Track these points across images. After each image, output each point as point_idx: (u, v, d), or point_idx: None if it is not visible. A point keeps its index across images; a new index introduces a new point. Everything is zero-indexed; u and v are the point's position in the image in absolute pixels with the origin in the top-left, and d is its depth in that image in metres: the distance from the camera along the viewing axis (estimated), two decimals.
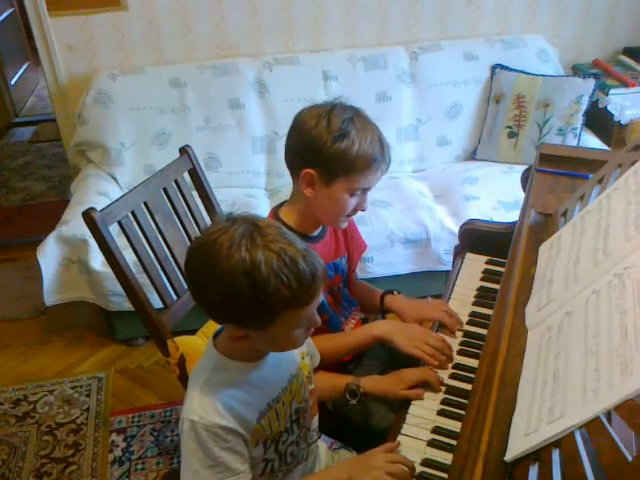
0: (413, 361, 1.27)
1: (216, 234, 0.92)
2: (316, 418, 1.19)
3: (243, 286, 0.88)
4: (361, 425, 1.36)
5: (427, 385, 1.20)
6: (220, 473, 0.98)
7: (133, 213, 1.48)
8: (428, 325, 1.40)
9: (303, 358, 1.15)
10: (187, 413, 0.98)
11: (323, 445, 1.30)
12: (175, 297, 1.56)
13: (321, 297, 0.99)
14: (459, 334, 1.35)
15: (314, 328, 1.03)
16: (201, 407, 0.97)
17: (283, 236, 0.93)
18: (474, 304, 1.43)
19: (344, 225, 1.38)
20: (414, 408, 1.17)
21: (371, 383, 1.24)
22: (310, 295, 0.94)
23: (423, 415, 1.15)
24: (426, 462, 1.06)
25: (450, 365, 1.26)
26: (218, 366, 1.02)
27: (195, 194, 1.73)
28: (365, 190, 1.31)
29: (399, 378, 1.22)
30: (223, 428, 0.97)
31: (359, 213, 1.36)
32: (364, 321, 1.58)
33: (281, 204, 1.41)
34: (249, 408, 1.01)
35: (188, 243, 1.61)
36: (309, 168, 1.28)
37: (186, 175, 1.70)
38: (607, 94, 2.82)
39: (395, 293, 1.52)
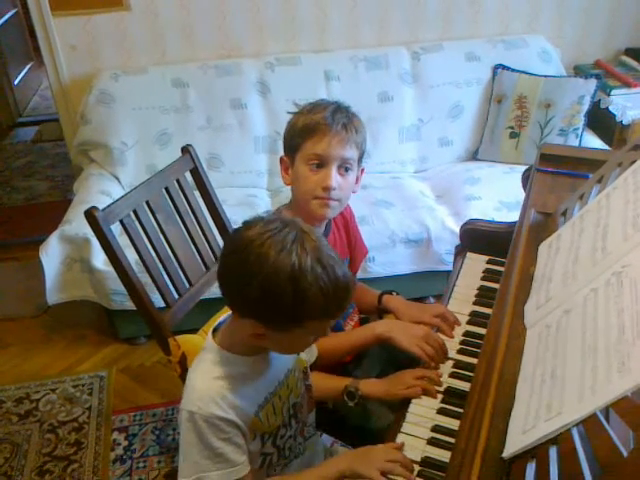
0: (412, 362, 1.27)
1: (268, 234, 0.93)
2: (313, 413, 1.20)
3: (286, 289, 0.90)
4: (360, 424, 1.36)
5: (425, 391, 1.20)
6: (219, 464, 0.99)
7: (135, 212, 1.48)
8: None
9: (299, 354, 1.16)
10: (186, 404, 0.99)
11: (321, 441, 1.31)
12: (177, 296, 1.57)
13: None
14: (460, 333, 1.35)
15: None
16: (199, 398, 0.98)
17: (325, 245, 0.96)
18: (475, 303, 1.44)
19: (322, 211, 1.32)
20: (414, 407, 1.18)
21: (370, 386, 1.23)
22: (341, 308, 0.97)
23: (423, 414, 1.16)
24: (425, 460, 1.06)
25: (450, 364, 1.26)
26: (217, 359, 1.03)
27: (197, 194, 1.74)
28: (322, 159, 1.28)
29: (399, 380, 1.22)
30: (221, 419, 0.97)
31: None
32: (363, 321, 1.58)
33: (283, 206, 1.42)
34: (248, 401, 1.02)
35: (190, 242, 1.62)
36: (284, 155, 1.35)
37: (188, 175, 1.71)
38: (609, 95, 2.82)
39: (394, 294, 1.51)
